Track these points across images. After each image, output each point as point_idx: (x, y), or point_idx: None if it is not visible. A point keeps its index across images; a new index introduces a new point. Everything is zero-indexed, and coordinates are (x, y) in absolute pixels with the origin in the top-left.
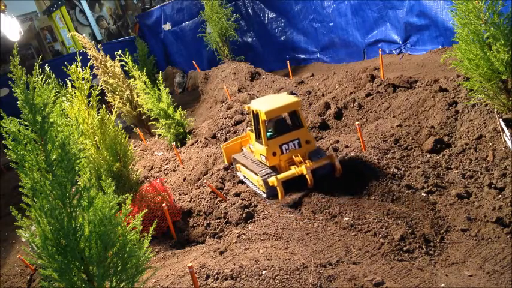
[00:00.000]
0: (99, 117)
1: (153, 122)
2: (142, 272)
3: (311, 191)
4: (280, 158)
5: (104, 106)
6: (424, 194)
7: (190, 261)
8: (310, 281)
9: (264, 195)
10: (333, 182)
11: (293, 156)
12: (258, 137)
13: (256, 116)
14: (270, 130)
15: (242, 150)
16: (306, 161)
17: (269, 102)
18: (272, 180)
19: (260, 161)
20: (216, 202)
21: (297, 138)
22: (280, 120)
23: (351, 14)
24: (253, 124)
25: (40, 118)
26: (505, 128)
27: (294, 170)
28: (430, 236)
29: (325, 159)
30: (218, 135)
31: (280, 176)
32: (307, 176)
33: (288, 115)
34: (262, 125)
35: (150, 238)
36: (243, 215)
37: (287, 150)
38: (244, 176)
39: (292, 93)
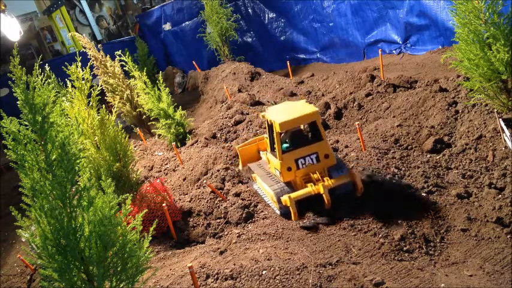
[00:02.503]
0: (99, 117)
1: (153, 122)
2: (142, 272)
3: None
4: (296, 173)
5: (104, 106)
6: (424, 194)
7: (190, 261)
8: (310, 281)
9: (278, 212)
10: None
11: (310, 173)
12: (272, 149)
13: (270, 126)
14: (286, 141)
15: (259, 153)
16: (325, 179)
17: (285, 112)
18: (285, 199)
19: (274, 175)
20: (216, 202)
21: (315, 152)
22: (297, 131)
23: (351, 14)
24: (268, 135)
25: (40, 118)
26: (505, 128)
27: (309, 189)
28: (430, 236)
29: (346, 177)
30: (218, 135)
31: (293, 195)
32: (324, 196)
33: (305, 126)
34: (276, 137)
35: (150, 238)
36: (243, 215)
37: (304, 165)
38: (259, 188)
39: (292, 94)
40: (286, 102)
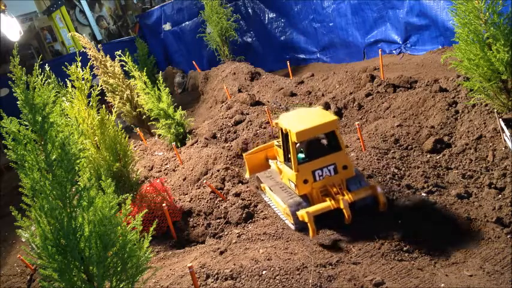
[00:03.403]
0: (99, 117)
1: (153, 122)
2: (142, 272)
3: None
4: (313, 186)
5: (104, 106)
6: (424, 194)
7: (190, 261)
8: (310, 281)
9: (293, 227)
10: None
11: (328, 186)
12: (286, 159)
13: (286, 135)
14: (301, 151)
15: (267, 161)
16: (344, 192)
17: (301, 120)
18: (302, 214)
19: (288, 186)
20: (216, 202)
21: (333, 163)
22: (313, 141)
23: (351, 14)
24: (281, 144)
25: (40, 118)
26: (505, 128)
27: (328, 203)
28: (429, 236)
29: (366, 190)
30: (218, 135)
31: (311, 209)
32: (344, 211)
33: (323, 135)
34: (292, 147)
35: (150, 238)
36: (243, 215)
37: (321, 177)
38: (270, 200)
39: (292, 94)
40: (301, 109)
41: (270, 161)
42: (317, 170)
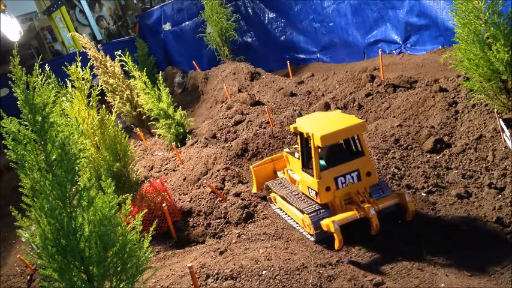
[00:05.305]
0: (99, 117)
1: (153, 122)
2: (142, 272)
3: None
4: (335, 194)
5: (104, 106)
6: (424, 194)
7: (190, 261)
8: (310, 281)
9: (312, 239)
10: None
11: (352, 194)
12: (306, 165)
13: (306, 140)
14: (321, 157)
15: (276, 174)
16: (371, 201)
17: (323, 123)
18: (327, 223)
19: (305, 195)
20: (216, 202)
21: (356, 170)
22: (335, 146)
23: (351, 14)
24: (300, 149)
25: (40, 118)
26: (505, 128)
27: (355, 212)
28: (429, 235)
29: (393, 197)
30: (218, 135)
31: (337, 218)
32: (372, 221)
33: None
34: (314, 152)
35: (150, 238)
36: (243, 215)
37: (344, 185)
38: (281, 209)
39: (292, 94)
40: (319, 113)
41: (278, 172)
42: (340, 176)
